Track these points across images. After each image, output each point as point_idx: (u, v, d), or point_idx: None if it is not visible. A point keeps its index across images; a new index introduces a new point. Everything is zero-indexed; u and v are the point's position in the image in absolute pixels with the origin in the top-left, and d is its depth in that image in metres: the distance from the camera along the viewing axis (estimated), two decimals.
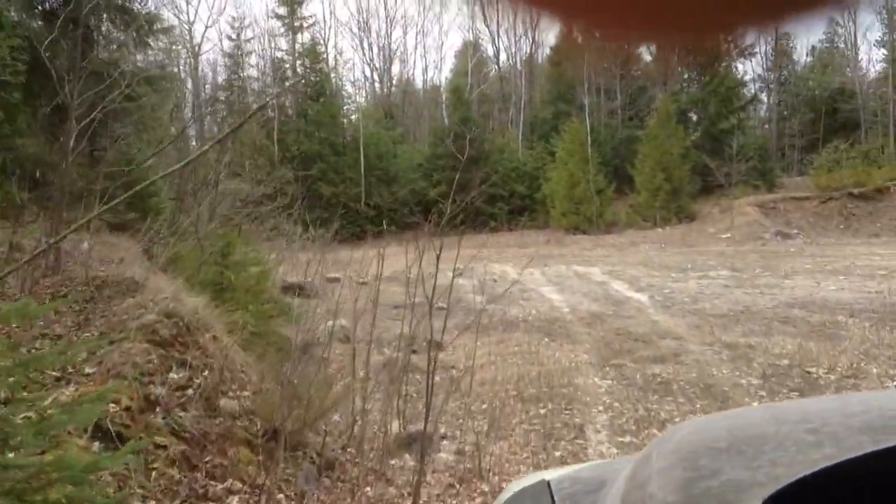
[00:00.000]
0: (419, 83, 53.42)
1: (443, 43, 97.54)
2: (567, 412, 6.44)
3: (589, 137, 34.88)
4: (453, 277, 5.02)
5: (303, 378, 4.00)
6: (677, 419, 6.02)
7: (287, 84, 40.97)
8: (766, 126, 41.87)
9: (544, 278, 16.92)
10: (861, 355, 7.69)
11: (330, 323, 10.42)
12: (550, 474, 1.09)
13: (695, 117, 37.59)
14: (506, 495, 1.13)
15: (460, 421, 6.18)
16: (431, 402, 4.41)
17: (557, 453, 5.34)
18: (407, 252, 5.81)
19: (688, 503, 0.71)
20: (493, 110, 45.23)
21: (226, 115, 43.06)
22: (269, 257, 13.41)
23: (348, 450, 4.41)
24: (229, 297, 6.35)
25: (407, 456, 5.01)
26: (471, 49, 46.27)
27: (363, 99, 49.80)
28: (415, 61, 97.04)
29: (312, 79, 40.36)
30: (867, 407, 0.81)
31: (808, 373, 7.24)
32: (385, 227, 32.67)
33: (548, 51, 43.63)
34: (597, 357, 8.52)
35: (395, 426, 5.45)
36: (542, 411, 6.43)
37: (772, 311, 10.84)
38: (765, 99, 42.67)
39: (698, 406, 6.41)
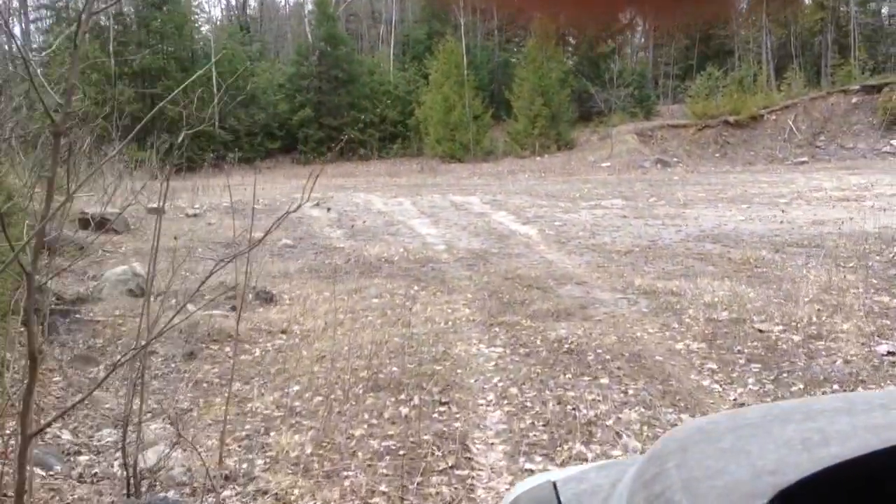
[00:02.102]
0: None
1: None
2: (442, 409, 4.24)
3: (465, 59, 32.46)
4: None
5: None
6: (610, 420, 3.95)
7: None
8: (642, 53, 41.07)
9: (416, 209, 14.64)
10: (817, 304, 5.97)
11: (120, 269, 7.71)
12: (557, 475, 1.01)
13: (573, 40, 35.99)
14: (510, 497, 1.03)
15: (271, 436, 3.84)
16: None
17: None
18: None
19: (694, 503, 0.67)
20: (362, 28, 41.68)
21: (53, 22, 37.08)
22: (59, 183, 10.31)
23: None
24: None
25: None
26: None
27: (216, 10, 44.70)
28: None
29: None
30: (873, 406, 0.77)
31: (762, 332, 5.41)
32: (241, 152, 29.35)
33: None
34: (481, 312, 6.37)
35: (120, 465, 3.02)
36: (405, 410, 4.19)
37: (682, 246, 9.13)
38: (640, 23, 41.74)
39: (631, 391, 4.38)
